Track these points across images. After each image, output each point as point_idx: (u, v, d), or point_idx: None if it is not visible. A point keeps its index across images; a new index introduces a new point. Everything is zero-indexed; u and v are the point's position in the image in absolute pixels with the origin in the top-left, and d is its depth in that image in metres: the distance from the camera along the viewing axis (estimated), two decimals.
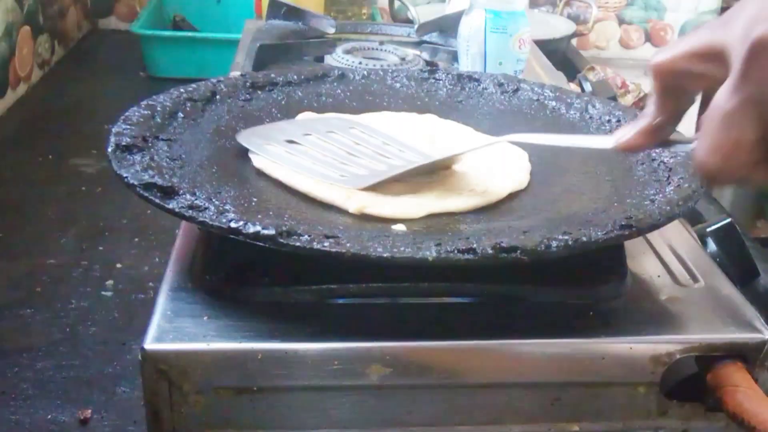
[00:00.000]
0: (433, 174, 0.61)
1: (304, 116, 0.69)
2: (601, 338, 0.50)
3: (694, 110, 0.45)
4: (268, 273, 0.51)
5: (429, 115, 0.72)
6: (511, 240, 0.47)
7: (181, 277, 0.53)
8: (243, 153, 0.62)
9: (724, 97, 0.39)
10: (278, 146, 0.61)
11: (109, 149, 0.55)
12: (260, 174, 0.60)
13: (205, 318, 0.49)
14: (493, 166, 0.62)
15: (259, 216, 0.50)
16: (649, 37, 1.90)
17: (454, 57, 1.00)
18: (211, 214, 0.48)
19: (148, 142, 0.57)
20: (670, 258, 0.59)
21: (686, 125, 0.46)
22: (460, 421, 0.51)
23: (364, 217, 0.54)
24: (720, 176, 0.40)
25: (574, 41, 1.67)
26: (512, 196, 0.60)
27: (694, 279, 0.56)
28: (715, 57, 0.40)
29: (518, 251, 0.46)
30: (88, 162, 1.10)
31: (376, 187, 0.57)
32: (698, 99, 0.45)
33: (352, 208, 0.54)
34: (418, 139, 0.65)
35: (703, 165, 0.40)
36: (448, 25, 1.07)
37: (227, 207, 0.50)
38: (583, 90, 1.13)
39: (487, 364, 0.50)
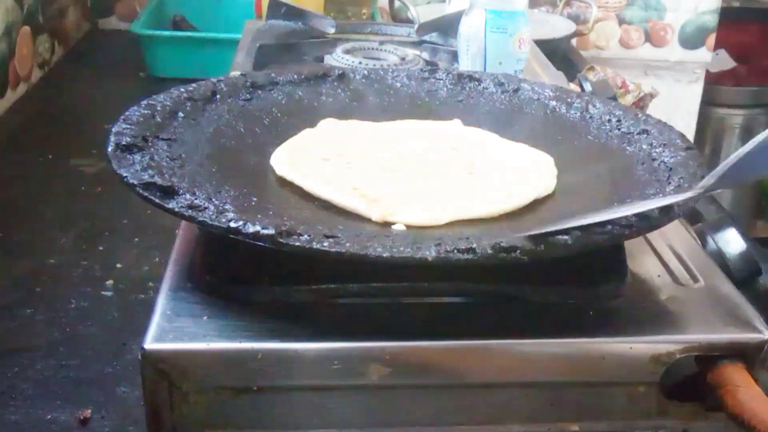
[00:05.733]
0: (455, 176, 0.61)
1: (327, 123, 0.69)
2: (601, 338, 0.50)
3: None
4: (268, 273, 0.51)
5: (455, 121, 0.71)
6: (511, 240, 0.47)
7: (181, 277, 0.53)
8: (243, 153, 0.62)
9: None
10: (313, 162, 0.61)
11: (109, 149, 0.55)
12: (260, 173, 0.60)
13: (205, 318, 0.49)
14: (519, 169, 0.62)
15: (259, 216, 0.50)
16: (649, 37, 1.90)
17: (454, 57, 1.00)
18: (211, 213, 0.48)
19: (148, 142, 0.57)
20: (670, 258, 0.59)
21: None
22: (460, 421, 0.51)
23: (365, 217, 0.54)
24: None
25: (574, 41, 1.67)
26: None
27: (694, 279, 0.56)
28: None
29: (518, 251, 0.46)
30: (88, 162, 1.09)
31: (398, 192, 0.57)
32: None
33: (376, 216, 0.53)
34: (444, 153, 0.65)
35: None
36: (448, 25, 1.07)
37: (227, 206, 0.50)
38: (583, 90, 1.12)
39: (487, 364, 0.50)
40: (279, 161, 0.61)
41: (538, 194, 0.58)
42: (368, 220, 0.53)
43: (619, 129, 0.67)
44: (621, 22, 1.88)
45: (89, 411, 0.66)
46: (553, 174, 0.62)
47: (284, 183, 0.59)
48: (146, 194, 0.50)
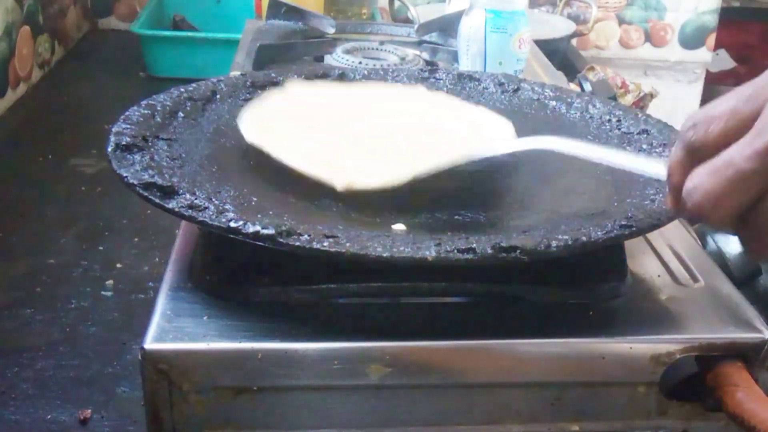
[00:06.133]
0: (418, 138, 0.63)
1: (294, 85, 0.70)
2: (601, 338, 0.50)
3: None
4: (268, 273, 0.51)
5: (418, 86, 0.73)
6: (511, 240, 0.47)
7: (181, 277, 0.53)
8: (243, 152, 0.62)
9: (742, 154, 0.37)
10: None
11: (109, 149, 0.55)
12: (261, 173, 0.60)
13: (205, 318, 0.49)
14: (474, 128, 0.65)
15: (259, 215, 0.50)
16: (649, 37, 1.90)
17: (454, 57, 1.00)
18: (211, 213, 0.48)
19: (148, 142, 0.57)
20: (670, 258, 0.59)
21: None
22: (460, 421, 0.51)
23: (364, 217, 0.54)
24: (704, 217, 0.39)
25: (574, 41, 1.67)
26: (512, 195, 0.60)
27: (694, 279, 0.56)
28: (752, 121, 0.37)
29: (518, 251, 0.46)
30: (88, 162, 1.09)
31: (362, 161, 0.59)
32: None
33: (340, 186, 0.55)
34: (409, 117, 0.67)
35: (696, 204, 0.39)
36: (448, 25, 1.07)
37: (227, 206, 0.50)
38: (583, 90, 1.12)
39: (487, 364, 0.50)
40: (248, 128, 0.62)
41: (492, 137, 0.62)
42: (368, 221, 0.53)
43: (619, 129, 0.67)
44: (621, 22, 1.88)
45: (89, 411, 0.66)
46: (510, 129, 0.64)
47: (284, 183, 0.59)
48: (146, 194, 0.50)
